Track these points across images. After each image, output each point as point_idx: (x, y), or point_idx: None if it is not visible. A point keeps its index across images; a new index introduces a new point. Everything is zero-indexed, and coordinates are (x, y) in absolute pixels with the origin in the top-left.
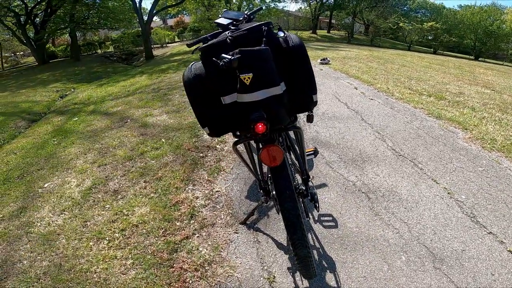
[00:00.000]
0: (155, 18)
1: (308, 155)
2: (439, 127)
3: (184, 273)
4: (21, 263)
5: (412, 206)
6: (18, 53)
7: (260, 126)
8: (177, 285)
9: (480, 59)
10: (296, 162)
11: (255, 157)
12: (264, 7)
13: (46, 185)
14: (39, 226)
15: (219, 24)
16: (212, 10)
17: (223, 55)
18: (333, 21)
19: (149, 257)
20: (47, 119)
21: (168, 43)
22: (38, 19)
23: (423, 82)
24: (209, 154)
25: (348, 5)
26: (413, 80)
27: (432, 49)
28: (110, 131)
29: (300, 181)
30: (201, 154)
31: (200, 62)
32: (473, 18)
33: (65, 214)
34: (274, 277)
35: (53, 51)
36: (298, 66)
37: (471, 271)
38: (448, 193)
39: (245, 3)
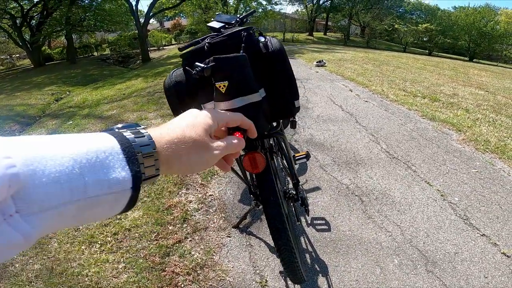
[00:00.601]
0: (151, 20)
1: (299, 159)
2: (433, 129)
3: (176, 276)
4: (13, 266)
5: (405, 209)
6: (14, 56)
7: (237, 135)
8: None
9: (474, 60)
10: (286, 163)
11: None
12: (260, 10)
13: None
14: None
15: (211, 28)
16: (209, 13)
17: (196, 63)
18: (329, 23)
19: (141, 261)
20: (42, 123)
21: (165, 45)
22: (34, 21)
23: (417, 83)
24: None
25: (344, 7)
26: (408, 82)
27: (427, 51)
28: None
29: (289, 176)
30: None
31: (181, 68)
32: (467, 19)
33: None
34: (266, 281)
35: (49, 54)
36: (278, 71)
37: (464, 274)
38: (442, 195)
39: (242, 5)
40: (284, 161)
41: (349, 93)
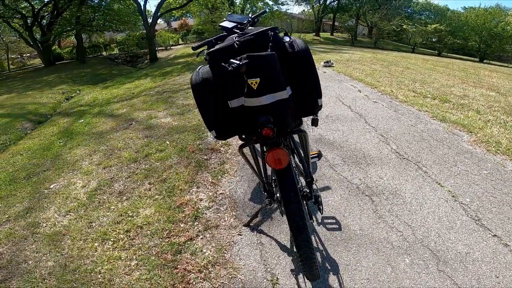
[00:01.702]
0: (159, 20)
1: (312, 158)
2: (444, 130)
3: (188, 274)
4: (26, 263)
5: (416, 209)
6: (24, 55)
7: (267, 130)
8: (180, 286)
9: (485, 61)
10: (300, 165)
11: (260, 160)
12: (267, 10)
13: (52, 186)
14: (45, 226)
15: (223, 28)
16: (216, 13)
17: (231, 60)
18: (336, 23)
19: (153, 258)
20: (53, 121)
21: (172, 45)
22: (45, 21)
23: (427, 84)
24: (213, 157)
25: (351, 7)
26: (417, 83)
27: (436, 51)
28: (115, 133)
29: (304, 183)
30: (205, 157)
31: (208, 66)
32: (478, 20)
33: (70, 215)
34: (277, 279)
35: (59, 53)
36: (304, 70)
37: (475, 273)
38: (453, 196)
39: (248, 5)
40: (297, 159)
41: (358, 94)
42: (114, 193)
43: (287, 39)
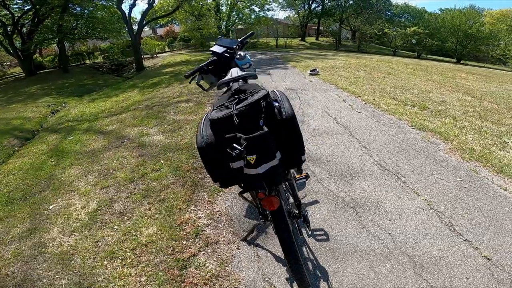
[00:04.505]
0: (144, 27)
1: (300, 179)
2: (422, 139)
3: (195, 287)
4: (41, 282)
5: (395, 218)
6: (4, 64)
7: (261, 194)
8: None
9: (462, 62)
10: (290, 190)
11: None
12: (253, 16)
13: (51, 207)
14: (52, 246)
15: (214, 53)
16: (202, 20)
17: (234, 145)
18: (321, 27)
19: (161, 273)
20: (41, 138)
21: (158, 53)
22: (25, 29)
23: (407, 91)
24: (207, 175)
25: (335, 12)
26: (398, 90)
27: (416, 54)
28: (108, 151)
29: (293, 203)
30: (199, 176)
31: (210, 130)
32: (453, 22)
33: (75, 235)
34: (275, 287)
35: (40, 62)
36: (290, 133)
37: (448, 275)
38: (429, 204)
39: (234, 12)
40: (288, 183)
41: (343, 104)
42: (115, 213)
43: (276, 104)
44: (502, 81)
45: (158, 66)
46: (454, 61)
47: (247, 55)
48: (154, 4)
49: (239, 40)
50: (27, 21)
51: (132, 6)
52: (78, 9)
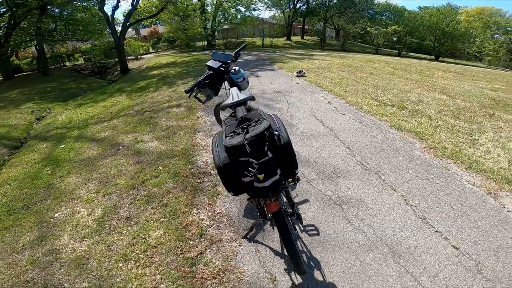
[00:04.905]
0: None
1: (291, 183)
2: (400, 139)
3: (205, 281)
4: (62, 286)
5: (376, 213)
6: None
7: (268, 200)
8: None
9: (440, 59)
10: (285, 193)
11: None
12: (239, 16)
13: (56, 215)
14: (66, 252)
15: (210, 67)
16: (187, 20)
17: (250, 169)
18: (306, 27)
19: (173, 271)
20: (31, 146)
21: (143, 54)
22: (0, 31)
23: (387, 91)
24: (206, 180)
25: (319, 11)
26: (379, 90)
27: (397, 51)
28: (104, 159)
29: (288, 203)
30: (198, 180)
31: (225, 153)
32: (431, 20)
33: (86, 240)
34: (275, 277)
35: (17, 65)
36: (287, 154)
37: (422, 263)
38: (405, 199)
39: (220, 12)
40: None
41: (328, 106)
42: (121, 219)
43: (276, 132)
44: (476, 78)
45: (143, 68)
46: (432, 58)
47: (241, 70)
48: (137, 6)
49: (232, 53)
50: (3, 23)
51: (115, 7)
52: (56, 10)
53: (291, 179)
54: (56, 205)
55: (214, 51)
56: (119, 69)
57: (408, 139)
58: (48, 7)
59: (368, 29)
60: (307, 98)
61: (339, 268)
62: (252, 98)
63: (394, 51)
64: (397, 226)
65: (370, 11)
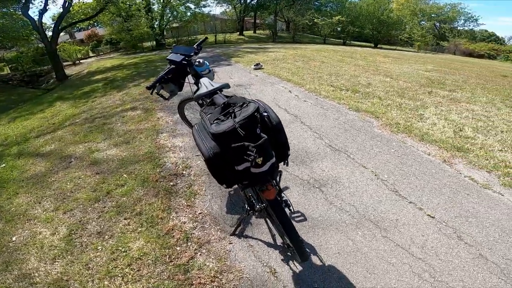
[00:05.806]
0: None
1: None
2: (359, 119)
3: (204, 286)
4: None
5: (354, 191)
6: None
7: (269, 185)
8: None
9: (378, 46)
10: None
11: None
12: (189, 14)
13: (14, 238)
14: (39, 276)
15: (171, 61)
16: (131, 20)
17: (248, 152)
18: (257, 21)
19: (167, 282)
20: None
21: (81, 59)
22: None
23: (340, 77)
24: (179, 181)
25: (269, 5)
26: (333, 76)
27: (342, 41)
28: (55, 174)
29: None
30: (171, 183)
31: (213, 142)
32: (369, 9)
33: (58, 261)
34: (275, 269)
35: None
36: (279, 134)
37: (407, 234)
38: (375, 175)
39: (168, 10)
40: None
41: (289, 95)
42: (92, 234)
43: (265, 114)
44: (411, 61)
45: (84, 73)
46: (372, 45)
47: (205, 62)
48: (70, 8)
49: (194, 46)
50: None
51: (43, 11)
52: None
53: (283, 162)
54: (11, 228)
55: (174, 45)
56: (54, 76)
57: (366, 118)
58: None
59: (315, 20)
60: (268, 89)
61: (334, 250)
62: (227, 86)
63: (339, 40)
64: (375, 202)
65: (316, 2)
